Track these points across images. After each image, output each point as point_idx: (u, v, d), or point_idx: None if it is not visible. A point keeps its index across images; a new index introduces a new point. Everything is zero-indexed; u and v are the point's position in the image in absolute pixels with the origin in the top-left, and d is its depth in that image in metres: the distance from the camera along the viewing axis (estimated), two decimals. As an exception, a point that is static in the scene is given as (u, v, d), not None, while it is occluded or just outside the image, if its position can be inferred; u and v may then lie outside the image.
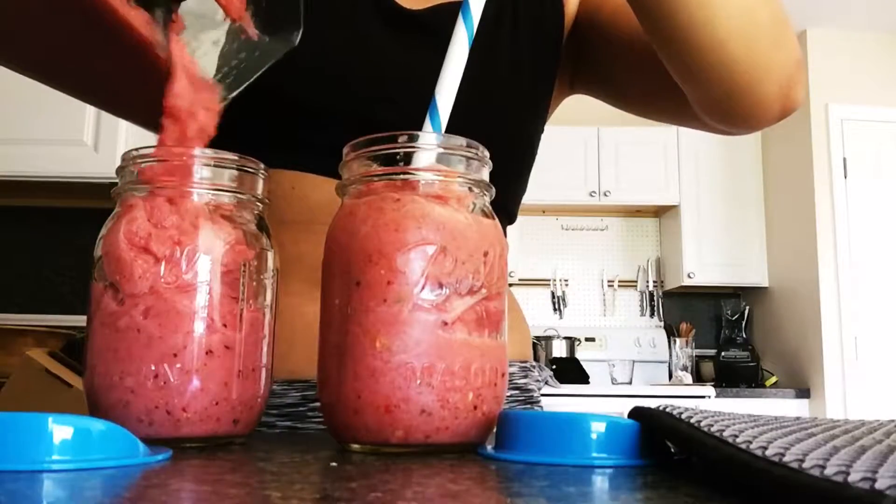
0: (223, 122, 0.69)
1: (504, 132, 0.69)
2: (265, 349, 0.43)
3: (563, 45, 0.75)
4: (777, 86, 0.60)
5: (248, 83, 0.49)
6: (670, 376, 3.87)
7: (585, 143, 3.88)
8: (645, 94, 0.73)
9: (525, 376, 0.74)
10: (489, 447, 0.38)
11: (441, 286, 0.38)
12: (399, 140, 0.41)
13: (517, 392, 0.72)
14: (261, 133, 0.65)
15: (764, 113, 0.62)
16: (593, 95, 0.80)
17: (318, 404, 0.62)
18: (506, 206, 0.73)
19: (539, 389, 0.78)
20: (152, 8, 0.43)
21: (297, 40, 0.50)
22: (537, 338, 3.71)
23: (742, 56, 0.57)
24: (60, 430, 0.29)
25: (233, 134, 0.67)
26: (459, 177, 0.41)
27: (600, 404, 3.24)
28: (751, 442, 0.26)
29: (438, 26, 0.66)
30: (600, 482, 0.29)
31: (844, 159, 3.53)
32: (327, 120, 0.64)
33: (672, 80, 0.63)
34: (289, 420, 0.62)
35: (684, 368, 3.78)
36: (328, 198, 0.61)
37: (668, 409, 0.33)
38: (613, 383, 3.59)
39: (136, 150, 0.43)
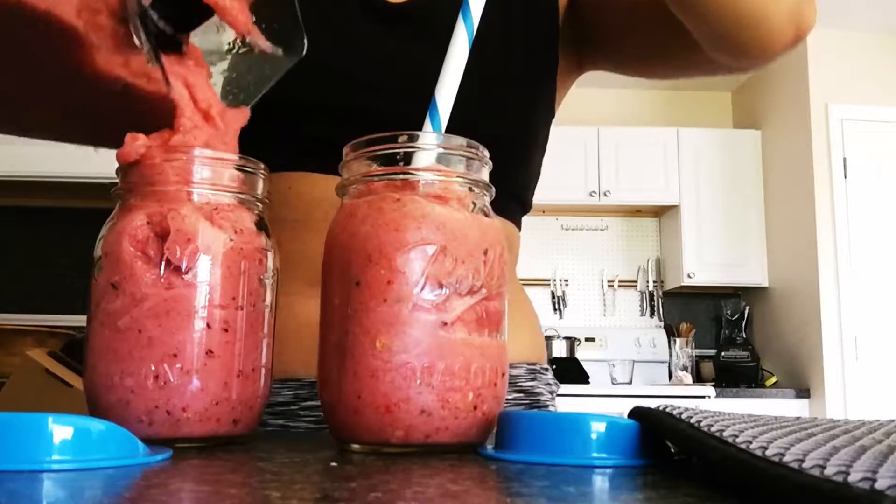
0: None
1: (502, 114, 0.68)
2: (265, 349, 0.43)
3: (561, 18, 0.74)
4: (786, 9, 0.60)
5: (261, 95, 0.50)
6: (670, 376, 3.87)
7: (585, 143, 3.88)
8: (654, 46, 0.72)
9: (533, 378, 0.71)
10: (489, 447, 0.38)
11: (441, 286, 0.38)
12: (399, 140, 0.41)
13: (521, 395, 0.69)
14: (256, 136, 0.65)
15: (777, 39, 0.61)
16: (604, 67, 0.78)
17: (309, 403, 0.62)
18: (517, 195, 0.71)
19: (552, 394, 0.74)
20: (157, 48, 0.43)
21: (304, 49, 0.50)
22: (537, 338, 3.70)
23: None
24: (60, 430, 0.29)
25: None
26: (459, 177, 0.41)
27: (600, 404, 3.24)
28: (751, 442, 0.26)
29: (424, 17, 0.67)
30: (600, 482, 0.29)
31: (844, 159, 3.53)
32: (320, 118, 0.64)
33: (681, 26, 0.62)
34: (281, 419, 0.62)
35: (684, 368, 3.78)
36: (325, 195, 0.61)
37: (668, 409, 0.33)
38: (613, 383, 3.59)
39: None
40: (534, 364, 0.72)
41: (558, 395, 0.78)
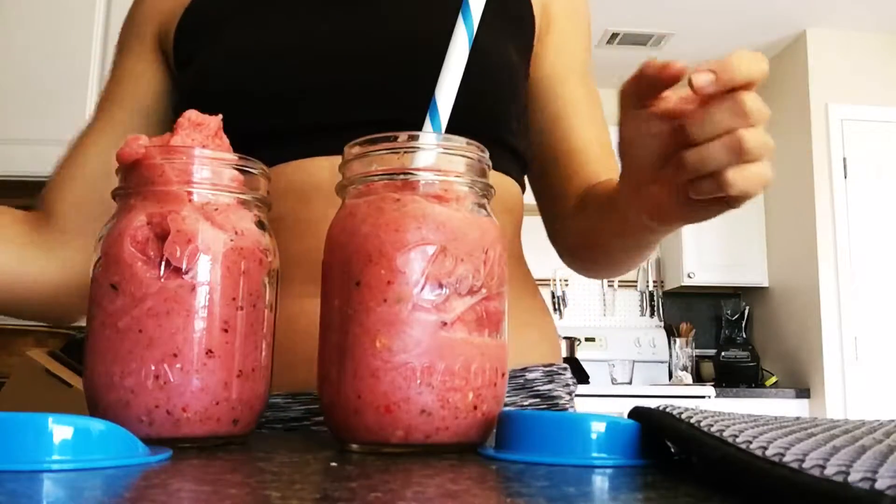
0: None
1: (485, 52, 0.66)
2: (265, 349, 0.43)
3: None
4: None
5: None
6: (670, 376, 3.87)
7: (585, 143, 3.88)
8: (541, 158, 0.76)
9: (550, 381, 0.67)
10: (489, 447, 0.38)
11: (441, 286, 0.38)
12: (399, 140, 0.41)
13: (538, 400, 0.65)
14: (254, 139, 0.66)
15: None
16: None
17: (321, 418, 0.61)
18: (504, 140, 0.67)
19: (570, 395, 0.70)
20: None
21: None
22: (537, 338, 3.70)
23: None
24: (60, 430, 0.29)
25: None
26: (459, 177, 0.41)
27: (600, 404, 3.24)
28: (751, 442, 0.26)
29: None
30: (600, 482, 0.29)
31: (844, 159, 3.53)
32: (299, 105, 0.64)
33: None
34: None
35: (684, 368, 3.78)
36: (329, 175, 0.59)
37: (668, 409, 0.33)
38: (613, 383, 3.59)
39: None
40: (550, 365, 0.69)
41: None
